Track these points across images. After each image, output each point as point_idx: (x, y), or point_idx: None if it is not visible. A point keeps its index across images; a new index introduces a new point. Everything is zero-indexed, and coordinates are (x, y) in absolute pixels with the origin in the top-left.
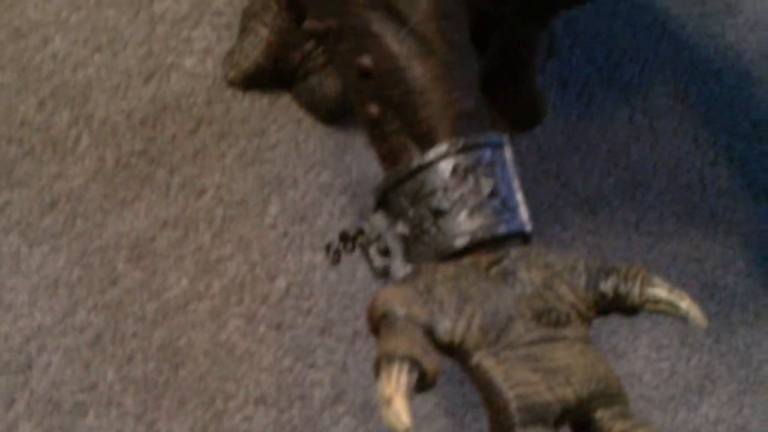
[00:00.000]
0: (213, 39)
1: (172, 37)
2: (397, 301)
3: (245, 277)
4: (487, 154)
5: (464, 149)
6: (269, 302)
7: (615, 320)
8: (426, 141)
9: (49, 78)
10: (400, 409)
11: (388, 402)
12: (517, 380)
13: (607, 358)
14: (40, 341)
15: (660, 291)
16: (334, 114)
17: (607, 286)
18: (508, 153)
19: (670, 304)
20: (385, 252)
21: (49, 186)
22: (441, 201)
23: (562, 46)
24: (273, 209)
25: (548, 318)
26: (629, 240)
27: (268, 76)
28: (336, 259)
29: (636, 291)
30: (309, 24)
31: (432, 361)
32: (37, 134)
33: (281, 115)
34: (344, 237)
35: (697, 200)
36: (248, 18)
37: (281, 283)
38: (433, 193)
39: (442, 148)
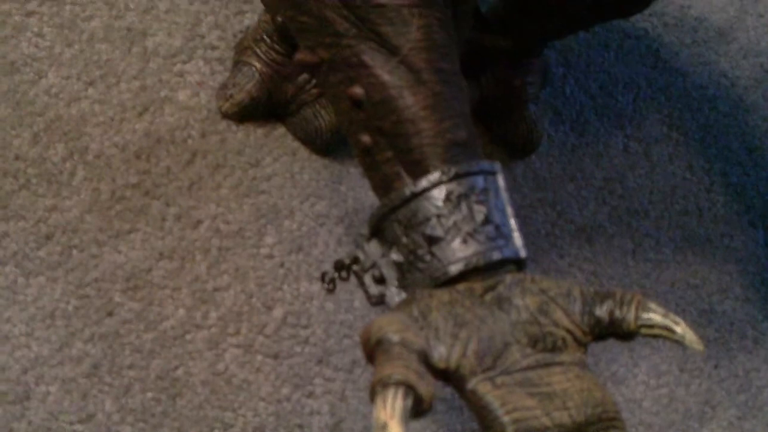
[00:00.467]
0: (206, 72)
1: (165, 71)
2: (391, 327)
3: (242, 307)
4: (480, 181)
5: (457, 177)
6: (266, 332)
7: (614, 347)
8: (418, 169)
9: (44, 112)
10: None
11: (383, 427)
12: (514, 405)
13: (603, 383)
14: (38, 372)
15: (655, 316)
16: (329, 145)
17: (602, 311)
18: (500, 180)
19: (666, 328)
20: (381, 280)
21: (45, 218)
22: (435, 228)
23: (555, 75)
24: (269, 239)
25: (544, 343)
26: (626, 267)
27: (262, 108)
28: (331, 288)
29: (631, 316)
30: (301, 56)
31: (427, 386)
32: (32, 168)
33: (276, 147)
34: (339, 265)
35: (693, 227)
36: (241, 51)
37: (278, 312)
38: (426, 220)
39: (434, 175)
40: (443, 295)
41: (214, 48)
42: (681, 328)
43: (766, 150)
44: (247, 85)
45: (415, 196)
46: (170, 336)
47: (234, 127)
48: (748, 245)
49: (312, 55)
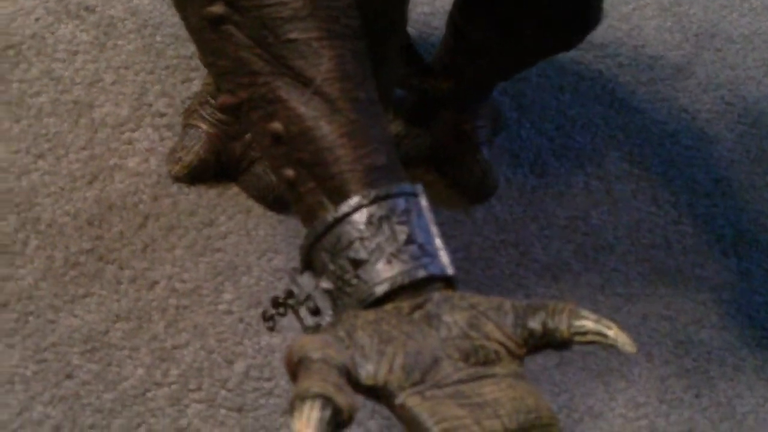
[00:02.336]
0: (155, 139)
1: (113, 140)
2: (312, 346)
3: (203, 363)
4: (401, 202)
5: (377, 199)
6: (229, 386)
7: (590, 382)
8: (339, 195)
9: None
10: None
11: None
12: (443, 415)
13: (580, 418)
14: None
15: (587, 322)
16: (282, 200)
17: (535, 322)
18: (423, 201)
19: (598, 333)
20: (316, 311)
21: (0, 288)
22: (359, 251)
23: (510, 120)
24: (227, 296)
25: (476, 357)
26: (596, 303)
27: (212, 168)
28: (272, 326)
29: (564, 325)
30: (222, 99)
31: (347, 397)
32: None
33: (230, 206)
34: (275, 302)
35: (662, 259)
36: (188, 115)
37: (240, 366)
38: (350, 244)
39: (354, 199)
40: (368, 314)
41: (162, 115)
42: (613, 332)
43: (733, 180)
44: (194, 147)
45: (338, 221)
46: (131, 395)
47: (186, 189)
48: (721, 274)
49: (232, 97)
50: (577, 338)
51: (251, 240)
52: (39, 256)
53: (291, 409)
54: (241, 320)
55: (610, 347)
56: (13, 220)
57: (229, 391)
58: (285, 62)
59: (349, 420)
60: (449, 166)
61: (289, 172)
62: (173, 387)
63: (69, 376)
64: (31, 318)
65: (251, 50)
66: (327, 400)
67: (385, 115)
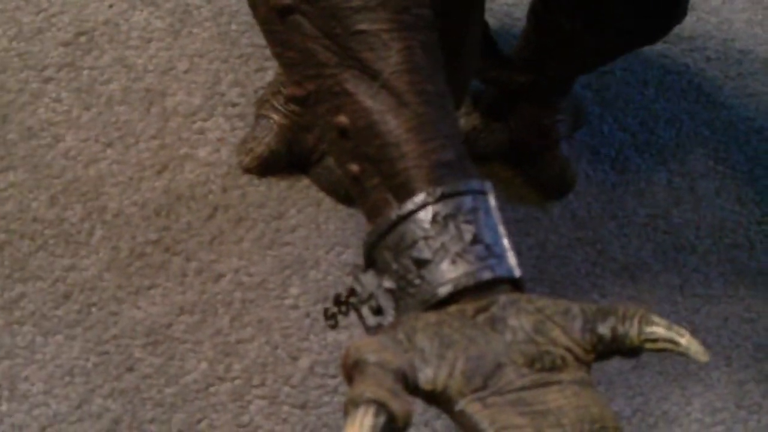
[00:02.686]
0: (227, 129)
1: (185, 130)
2: (369, 348)
3: (267, 359)
4: (468, 201)
5: (443, 197)
6: (292, 382)
7: (666, 386)
8: (404, 193)
9: (61, 175)
10: None
11: None
12: (503, 424)
13: (654, 423)
14: (56, 429)
15: (658, 329)
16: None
17: (604, 327)
18: (491, 200)
19: (670, 341)
20: (378, 310)
21: (63, 278)
22: (422, 251)
23: (592, 115)
24: (294, 290)
25: (542, 363)
26: (674, 304)
27: (284, 160)
28: (333, 324)
29: (634, 331)
30: (290, 90)
31: (402, 404)
32: (49, 229)
33: (300, 198)
34: (337, 300)
35: (744, 260)
36: (260, 105)
37: (305, 362)
38: (414, 243)
39: (419, 197)
40: (430, 317)
41: (234, 105)
42: (685, 340)
43: None
44: (266, 138)
45: (402, 219)
46: (192, 389)
47: (256, 181)
48: None
49: (300, 89)
50: (648, 345)
51: (320, 234)
52: (104, 246)
53: (344, 414)
54: (307, 315)
55: (682, 355)
56: (79, 210)
57: (292, 387)
58: (353, 54)
59: (404, 427)
60: (527, 161)
61: (355, 167)
62: (236, 382)
63: (130, 369)
64: (93, 309)
65: (319, 41)
66: (381, 406)
67: (455, 110)
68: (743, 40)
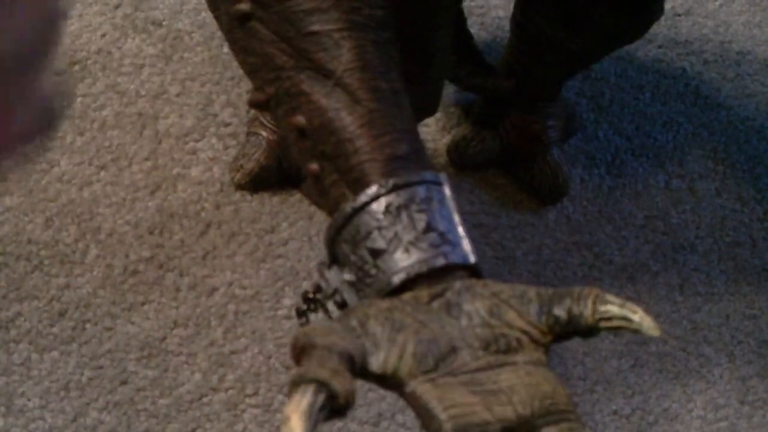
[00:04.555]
0: (219, 148)
1: (177, 150)
2: (316, 333)
3: (260, 368)
4: (421, 191)
5: (395, 188)
6: (286, 390)
7: (666, 383)
8: (359, 186)
9: (56, 198)
10: (294, 427)
11: (285, 421)
12: (452, 402)
13: (654, 421)
14: None
15: (612, 307)
16: None
17: (560, 309)
18: (446, 190)
19: (623, 318)
20: (342, 304)
21: (58, 296)
22: (376, 240)
23: (587, 121)
24: (287, 301)
25: (497, 346)
26: (674, 303)
27: (274, 176)
28: (304, 322)
29: (588, 311)
30: (252, 97)
31: (344, 382)
32: (44, 250)
33: (293, 212)
34: (305, 298)
35: (747, 257)
36: (250, 123)
37: None
38: (368, 234)
39: (372, 189)
40: (382, 303)
41: (226, 125)
42: (638, 316)
43: None
44: (255, 154)
45: (356, 211)
46: (186, 400)
47: (248, 197)
48: None
49: (261, 94)
50: (603, 324)
51: (312, 246)
52: (98, 264)
53: (287, 395)
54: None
55: (636, 332)
56: (74, 231)
57: (285, 396)
58: (307, 55)
59: (347, 405)
60: (519, 167)
61: (314, 166)
62: (230, 392)
63: (124, 383)
64: (88, 326)
65: (275, 45)
66: (321, 385)
67: (409, 106)
68: (741, 41)
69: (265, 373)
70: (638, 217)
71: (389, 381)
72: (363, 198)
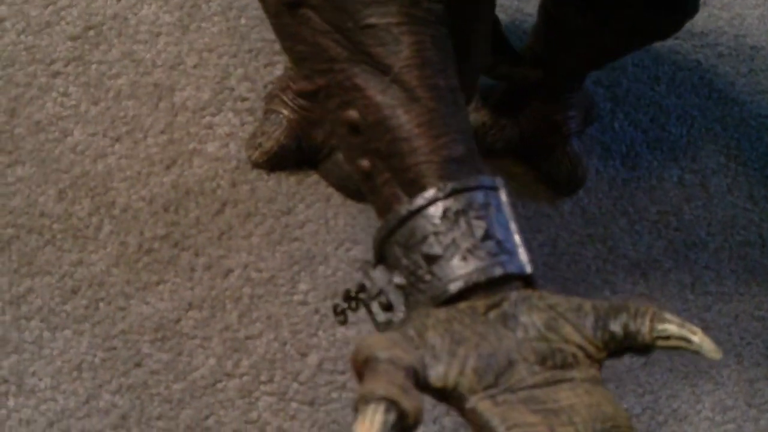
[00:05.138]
0: (236, 124)
1: (193, 124)
2: (379, 345)
3: (275, 355)
4: (480, 196)
5: (454, 192)
6: (301, 378)
7: (676, 383)
8: (415, 188)
9: (69, 169)
10: None
11: None
12: (515, 421)
13: (664, 421)
14: (64, 425)
15: (671, 326)
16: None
17: (616, 325)
18: (503, 195)
19: (682, 338)
20: (388, 306)
21: (71, 273)
22: (433, 246)
23: (603, 111)
24: (303, 286)
25: (553, 360)
26: (685, 301)
27: (293, 156)
28: (343, 320)
29: (646, 328)
30: (299, 85)
31: (413, 401)
32: (57, 224)
33: (309, 194)
34: (347, 296)
35: (757, 257)
36: (269, 100)
37: (313, 359)
38: (424, 239)
39: (430, 192)
40: (440, 313)
41: (243, 100)
42: (698, 337)
43: None
44: (275, 133)
45: (412, 214)
46: (200, 385)
47: (265, 176)
48: None
49: (310, 84)
50: (660, 343)
51: (329, 230)
52: (112, 241)
53: (355, 411)
54: (316, 311)
55: (695, 353)
56: (87, 204)
57: (301, 384)
58: (363, 48)
59: (415, 425)
60: (538, 157)
61: (365, 163)
62: (244, 378)
63: (138, 365)
64: (101, 305)
65: (329, 35)
66: (392, 404)
67: (465, 105)
68: (755, 36)
69: (281, 360)
70: (652, 212)
71: (448, 395)
72: (419, 201)
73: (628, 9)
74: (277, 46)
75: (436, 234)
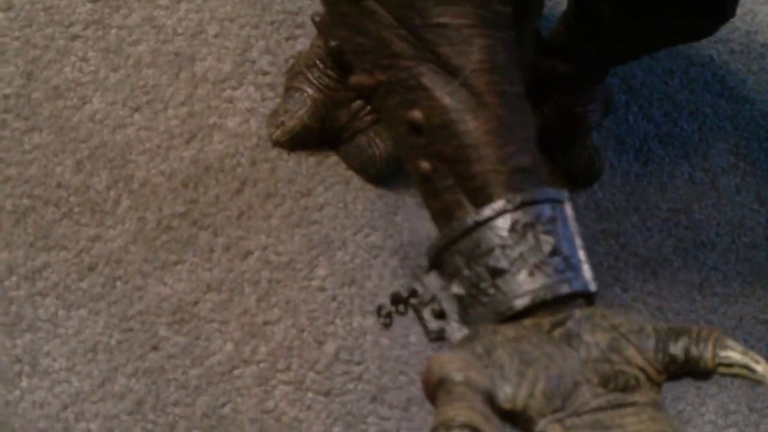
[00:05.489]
0: (257, 98)
1: (214, 97)
2: (454, 366)
3: (293, 342)
4: (547, 210)
5: (522, 205)
6: (318, 368)
7: (680, 385)
8: (481, 197)
9: (87, 139)
10: None
11: None
12: None
13: (677, 425)
14: (78, 408)
15: (734, 354)
16: (383, 174)
17: (677, 348)
18: (568, 209)
19: (745, 367)
20: (440, 314)
21: (88, 248)
22: (499, 259)
23: (618, 103)
24: (321, 272)
25: (616, 383)
26: (693, 302)
27: (315, 136)
28: (388, 323)
29: (708, 354)
30: (357, 79)
31: (493, 429)
32: (74, 196)
33: (329, 176)
34: (396, 299)
35: (762, 259)
36: (293, 77)
37: (330, 347)
38: (490, 251)
39: (498, 204)
40: (508, 331)
41: (264, 73)
42: (761, 367)
43: None
44: (298, 112)
45: (479, 225)
46: (217, 371)
47: (285, 155)
48: None
49: (369, 78)
50: (722, 369)
51: (348, 214)
52: (130, 217)
53: None
54: (333, 299)
55: (757, 383)
56: (105, 177)
57: (317, 373)
58: (431, 47)
59: None
60: (557, 149)
61: (426, 165)
62: (261, 366)
63: (155, 348)
64: (118, 283)
65: (394, 30)
66: (473, 431)
67: (530, 110)
68: (767, 33)
69: (298, 348)
70: (662, 209)
71: (516, 417)
72: (487, 212)
73: (666, 10)
74: (299, 19)
75: (502, 247)
